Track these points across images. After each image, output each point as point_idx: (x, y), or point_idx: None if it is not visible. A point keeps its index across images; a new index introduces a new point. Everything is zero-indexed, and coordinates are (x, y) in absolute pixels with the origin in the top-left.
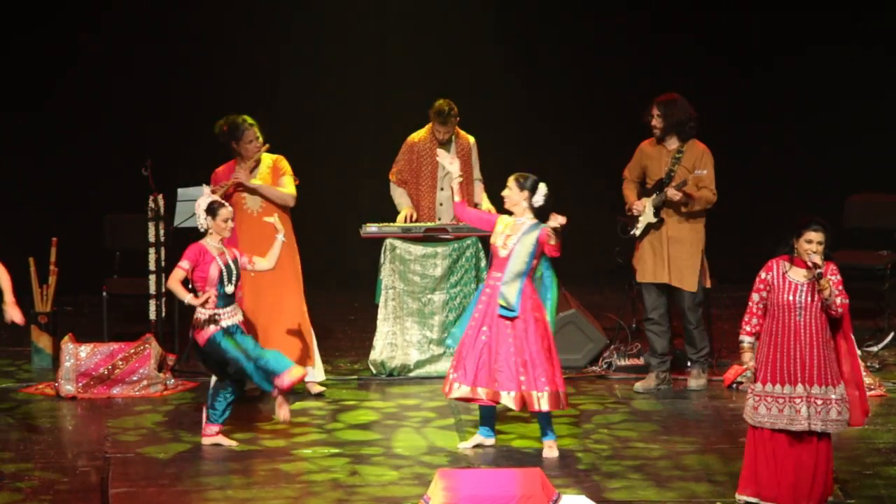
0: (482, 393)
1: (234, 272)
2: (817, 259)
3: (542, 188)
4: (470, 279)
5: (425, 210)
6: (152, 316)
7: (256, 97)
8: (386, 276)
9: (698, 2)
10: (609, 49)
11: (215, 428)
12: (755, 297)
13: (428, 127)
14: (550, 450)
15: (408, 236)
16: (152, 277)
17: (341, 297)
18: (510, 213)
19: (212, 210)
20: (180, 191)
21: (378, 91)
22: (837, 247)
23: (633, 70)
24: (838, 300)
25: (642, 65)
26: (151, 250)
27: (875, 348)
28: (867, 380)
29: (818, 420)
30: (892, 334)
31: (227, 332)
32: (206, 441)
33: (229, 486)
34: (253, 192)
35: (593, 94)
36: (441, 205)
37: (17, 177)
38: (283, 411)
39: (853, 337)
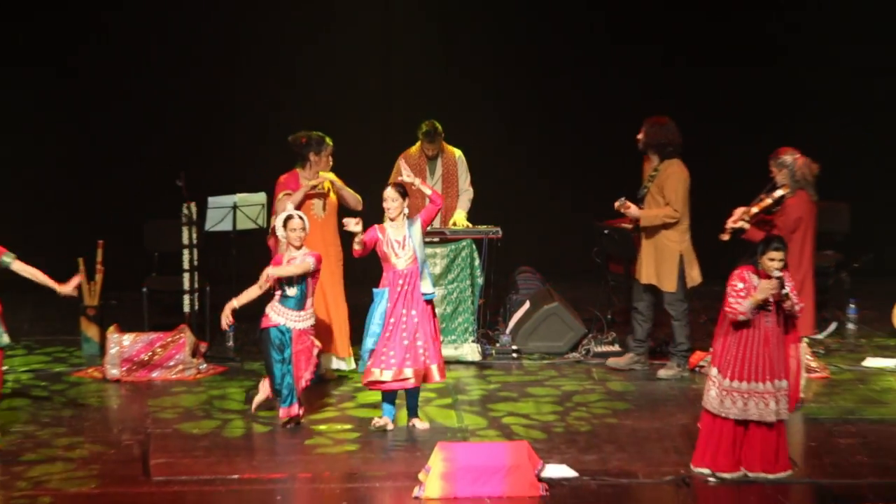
0: (389, 375)
1: (297, 279)
2: (779, 274)
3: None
4: (465, 276)
5: None
6: (186, 309)
7: (272, 114)
8: None
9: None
10: (591, 64)
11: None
12: (735, 300)
13: (418, 144)
14: (422, 423)
15: None
16: (186, 275)
17: (352, 292)
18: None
19: (284, 222)
20: (211, 199)
21: (382, 107)
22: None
23: (613, 84)
24: (797, 307)
25: (618, 78)
26: (185, 252)
27: (821, 336)
28: (813, 364)
29: (784, 409)
30: (834, 324)
31: (280, 334)
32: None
33: (254, 457)
34: (319, 196)
35: (577, 108)
36: None
37: (67, 187)
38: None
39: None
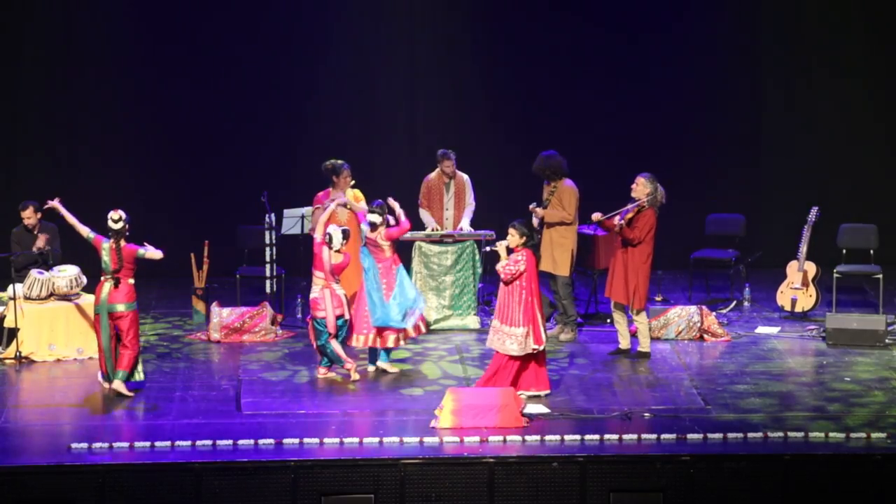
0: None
1: None
2: (498, 244)
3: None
4: (469, 266)
5: (437, 223)
6: (267, 290)
7: (334, 145)
8: (415, 265)
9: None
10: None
11: (324, 370)
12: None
13: (437, 169)
14: (391, 366)
15: (430, 240)
16: (267, 266)
17: None
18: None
19: (346, 235)
20: (286, 211)
21: (412, 138)
22: (701, 246)
23: (579, 109)
24: (502, 273)
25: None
26: (267, 249)
27: (725, 311)
28: (719, 330)
29: (531, 344)
30: (734, 302)
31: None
32: (320, 375)
33: (316, 397)
34: (346, 207)
35: (559, 136)
36: (447, 220)
37: (185, 204)
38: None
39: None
